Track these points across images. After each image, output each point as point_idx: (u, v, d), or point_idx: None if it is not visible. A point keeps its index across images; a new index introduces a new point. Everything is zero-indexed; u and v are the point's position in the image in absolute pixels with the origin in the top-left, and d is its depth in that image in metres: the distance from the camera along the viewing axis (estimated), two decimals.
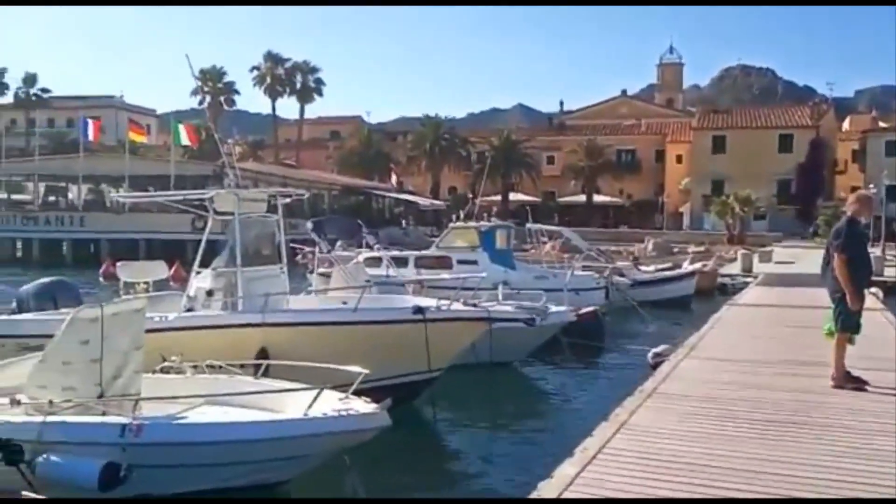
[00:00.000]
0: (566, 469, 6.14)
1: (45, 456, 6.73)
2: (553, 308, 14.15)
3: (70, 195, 48.69)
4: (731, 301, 19.58)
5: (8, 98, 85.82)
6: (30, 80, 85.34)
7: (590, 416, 11.30)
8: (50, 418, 7.03)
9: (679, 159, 69.68)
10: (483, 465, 9.90)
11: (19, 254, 44.10)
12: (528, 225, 26.52)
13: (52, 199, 48.68)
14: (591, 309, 17.04)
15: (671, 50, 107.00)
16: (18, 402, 7.36)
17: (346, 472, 7.55)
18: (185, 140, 47.21)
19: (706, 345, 12.22)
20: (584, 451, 6.60)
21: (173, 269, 16.39)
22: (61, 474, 6.66)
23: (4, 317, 11.33)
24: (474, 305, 11.83)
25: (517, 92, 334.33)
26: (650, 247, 40.25)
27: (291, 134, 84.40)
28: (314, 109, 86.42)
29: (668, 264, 30.39)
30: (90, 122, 46.86)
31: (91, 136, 47.22)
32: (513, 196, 64.91)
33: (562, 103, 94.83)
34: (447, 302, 11.64)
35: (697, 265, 28.57)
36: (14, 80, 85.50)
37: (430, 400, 11.26)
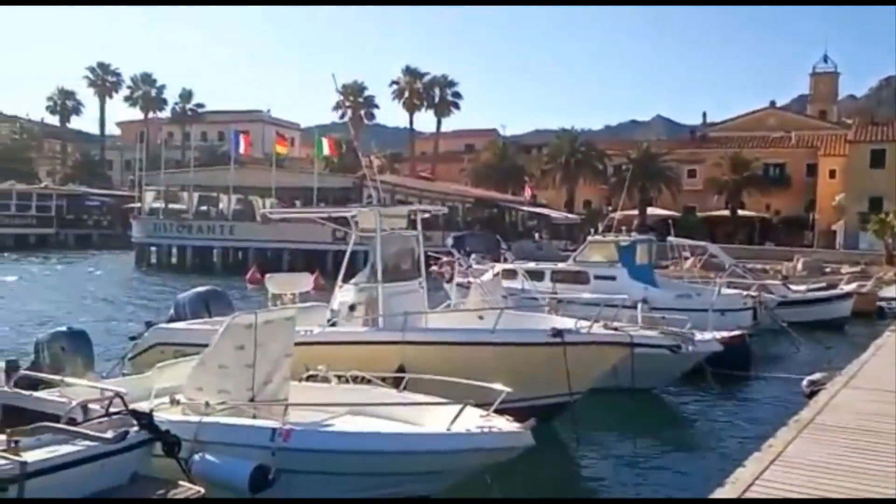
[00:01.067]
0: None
1: (200, 454, 7.04)
2: (699, 335, 13.58)
3: (221, 205, 51.37)
4: (895, 327, 18.21)
5: (166, 113, 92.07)
6: (186, 96, 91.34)
7: (736, 447, 10.87)
8: (206, 419, 7.38)
9: (833, 174, 65.67)
10: (622, 492, 9.59)
11: (174, 260, 46.87)
12: (670, 239, 25.64)
13: (204, 208, 51.46)
14: (737, 333, 16.14)
15: (825, 59, 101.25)
16: (177, 402, 7.79)
17: (486, 491, 7.50)
18: (326, 152, 48.88)
19: (867, 373, 11.43)
20: (735, 483, 6.27)
21: (313, 278, 16.91)
22: (215, 473, 6.94)
23: (164, 325, 12.01)
24: (615, 329, 11.52)
25: (657, 103, 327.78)
26: (800, 265, 38.10)
27: (427, 147, 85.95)
28: (450, 123, 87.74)
29: (822, 284, 28.61)
30: (241, 136, 49.35)
31: (242, 150, 49.74)
32: (651, 210, 63.24)
33: (704, 115, 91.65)
34: (587, 324, 11.42)
35: (854, 286, 26.77)
36: (172, 96, 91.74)
37: (569, 422, 11.04)
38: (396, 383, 9.10)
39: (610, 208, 32.60)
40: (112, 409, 6.40)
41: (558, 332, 10.84)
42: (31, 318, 21.82)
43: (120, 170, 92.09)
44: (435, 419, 7.79)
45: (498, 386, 7.55)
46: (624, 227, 25.02)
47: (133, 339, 12.24)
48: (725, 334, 15.26)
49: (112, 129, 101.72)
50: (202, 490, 6.07)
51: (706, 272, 25.50)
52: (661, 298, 18.80)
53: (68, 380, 7.30)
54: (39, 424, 5.70)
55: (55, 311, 24.15)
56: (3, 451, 5.32)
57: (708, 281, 22.52)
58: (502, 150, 75.76)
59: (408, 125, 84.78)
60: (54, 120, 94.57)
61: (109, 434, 5.60)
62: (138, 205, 50.95)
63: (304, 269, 17.31)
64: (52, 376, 7.49)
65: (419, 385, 8.93)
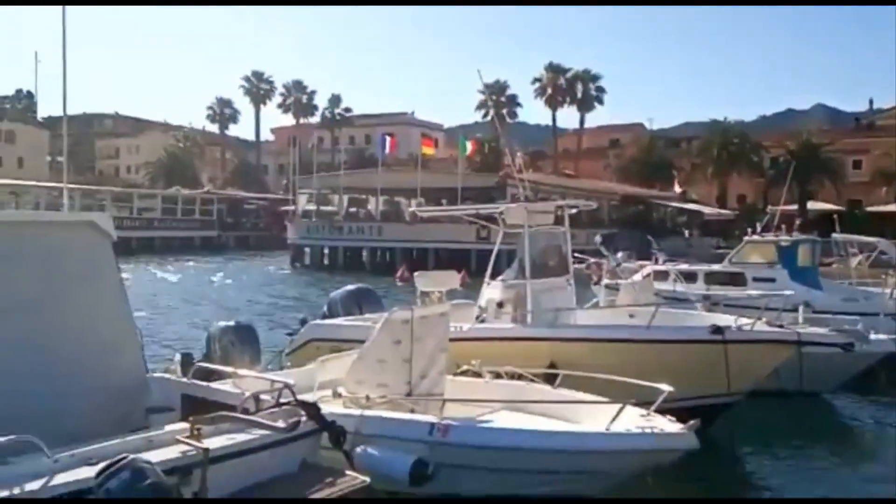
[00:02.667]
0: None
1: (362, 447, 7.26)
2: (873, 334, 12.68)
3: (369, 206, 53.00)
4: None
5: (316, 118, 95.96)
6: (334, 100, 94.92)
7: None
8: (367, 412, 7.59)
9: None
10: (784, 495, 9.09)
11: (326, 260, 48.76)
12: (835, 235, 23.99)
13: (353, 210, 53.25)
14: None
15: None
16: (339, 395, 8.06)
17: (646, 493, 7.30)
18: (469, 151, 49.47)
19: None
20: None
21: (461, 277, 17.06)
22: (376, 465, 7.12)
23: (318, 321, 12.49)
24: (780, 326, 10.94)
25: (816, 91, 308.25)
26: None
27: (570, 144, 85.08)
28: (594, 118, 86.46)
29: None
30: (388, 139, 50.74)
31: (388, 151, 51.12)
32: (812, 205, 59.75)
33: (871, 101, 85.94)
34: (749, 321, 10.90)
35: None
36: (321, 102, 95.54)
37: (727, 425, 10.58)
38: (549, 380, 9.03)
39: (769, 203, 30.72)
40: (281, 400, 6.69)
41: (719, 329, 10.40)
42: (199, 315, 23.32)
43: (274, 174, 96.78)
44: (592, 418, 7.67)
45: (660, 385, 7.33)
46: (784, 225, 23.62)
47: (290, 335, 12.79)
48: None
49: (266, 135, 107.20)
50: (367, 479, 6.24)
51: (876, 271, 23.63)
52: (826, 302, 17.57)
53: (240, 371, 7.69)
54: (219, 413, 6.04)
55: (218, 308, 25.70)
56: (187, 437, 5.66)
57: (878, 281, 20.84)
58: (649, 144, 73.95)
59: (549, 122, 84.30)
60: (214, 128, 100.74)
61: (282, 423, 5.86)
62: (292, 208, 53.34)
63: (449, 269, 17.51)
64: (224, 368, 7.92)
65: (572, 382, 8.82)
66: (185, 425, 5.84)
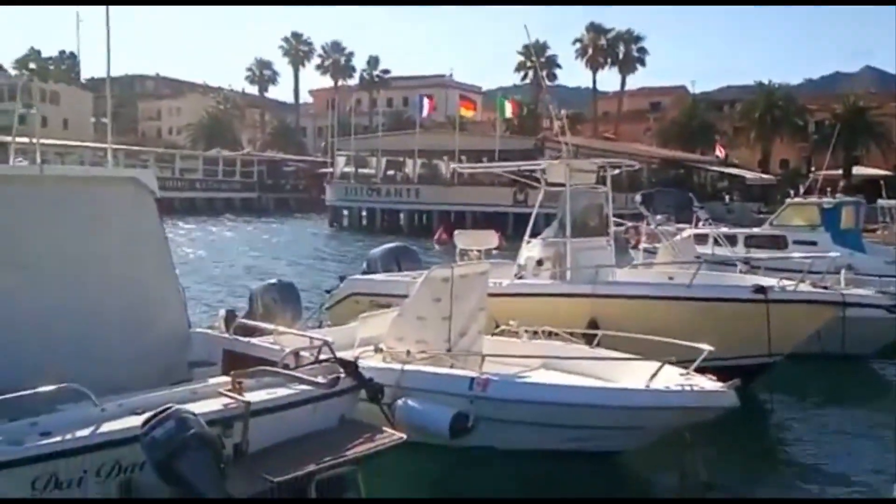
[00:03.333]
0: None
1: (402, 400, 7.35)
2: None
3: (406, 169, 52.94)
4: None
5: (354, 80, 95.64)
6: (373, 62, 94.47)
7: None
8: (407, 367, 7.67)
9: None
10: (821, 468, 8.85)
11: (364, 222, 48.97)
12: (880, 201, 23.42)
13: (391, 172, 53.26)
14: None
15: None
16: (380, 350, 8.13)
17: (685, 450, 7.28)
18: (508, 113, 49.04)
19: None
20: None
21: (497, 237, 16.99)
22: (416, 418, 7.23)
23: (361, 276, 12.58)
24: (825, 287, 10.75)
25: (865, 52, 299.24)
26: None
27: (610, 107, 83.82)
28: (635, 80, 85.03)
29: None
30: (426, 100, 50.51)
31: (426, 113, 50.89)
32: (857, 170, 58.35)
33: None
34: (792, 282, 10.74)
35: None
36: (360, 63, 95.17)
37: (767, 387, 10.49)
38: (588, 340, 9.01)
39: (813, 168, 29.98)
40: (321, 357, 6.76)
41: (761, 289, 10.29)
42: (240, 275, 23.63)
43: (313, 136, 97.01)
44: (631, 376, 7.67)
45: (700, 344, 7.27)
46: (829, 189, 23.09)
47: (328, 291, 12.90)
48: None
49: (305, 98, 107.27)
50: (404, 436, 6.30)
51: None
52: (869, 265, 17.18)
53: (280, 329, 7.78)
54: (260, 368, 6.13)
55: (259, 268, 26.01)
56: (229, 390, 5.75)
57: None
58: (691, 107, 72.57)
59: (588, 86, 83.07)
60: (253, 90, 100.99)
61: (322, 379, 5.92)
62: (330, 170, 53.47)
63: (487, 230, 17.40)
64: (265, 325, 8.02)
65: (612, 342, 8.80)
66: (227, 379, 5.94)
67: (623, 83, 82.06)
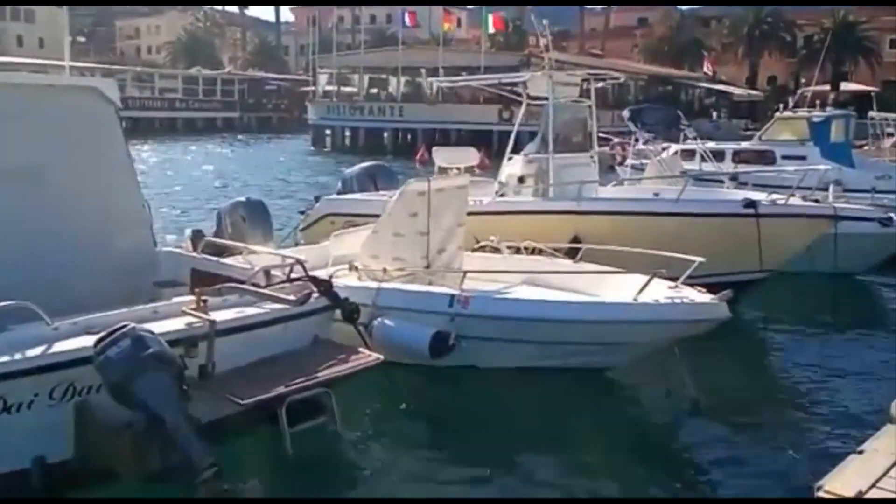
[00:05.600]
0: None
1: (380, 320, 7.10)
2: None
3: (390, 87, 51.75)
4: None
5: None
6: None
7: None
8: (384, 285, 7.39)
9: None
10: (814, 377, 8.77)
11: (348, 141, 48.09)
12: (872, 114, 23.00)
13: (374, 91, 52.07)
14: None
15: None
16: (356, 268, 7.84)
17: (673, 366, 7.10)
18: (492, 28, 47.86)
19: None
20: None
21: (480, 156, 16.58)
22: (395, 338, 7.00)
23: (333, 196, 12.20)
24: (816, 201, 10.50)
25: None
26: None
27: (597, 23, 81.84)
28: None
29: None
30: (407, 13, 49.17)
31: (408, 23, 49.55)
32: (845, 86, 57.63)
33: None
34: (782, 196, 10.46)
35: None
36: None
37: (757, 305, 10.31)
38: (571, 255, 8.76)
39: (803, 82, 29.46)
40: (293, 276, 6.47)
41: (752, 203, 9.99)
42: (216, 194, 23.13)
43: (295, 55, 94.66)
44: (618, 290, 7.43)
45: (690, 256, 7.01)
46: (817, 103, 22.65)
47: (303, 212, 12.54)
48: None
49: (287, 16, 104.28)
50: (381, 357, 6.08)
51: None
52: (858, 180, 16.87)
53: (251, 247, 7.47)
54: (226, 285, 5.86)
55: (238, 187, 25.54)
56: (193, 309, 5.46)
57: None
58: (678, 23, 71.00)
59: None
60: (233, 8, 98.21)
61: (291, 297, 5.64)
62: (312, 88, 52.26)
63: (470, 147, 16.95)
64: (235, 243, 7.70)
65: (596, 257, 8.54)
66: (191, 297, 5.64)
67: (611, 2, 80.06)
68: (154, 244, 7.62)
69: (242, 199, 9.38)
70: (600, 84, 12.32)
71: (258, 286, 6.52)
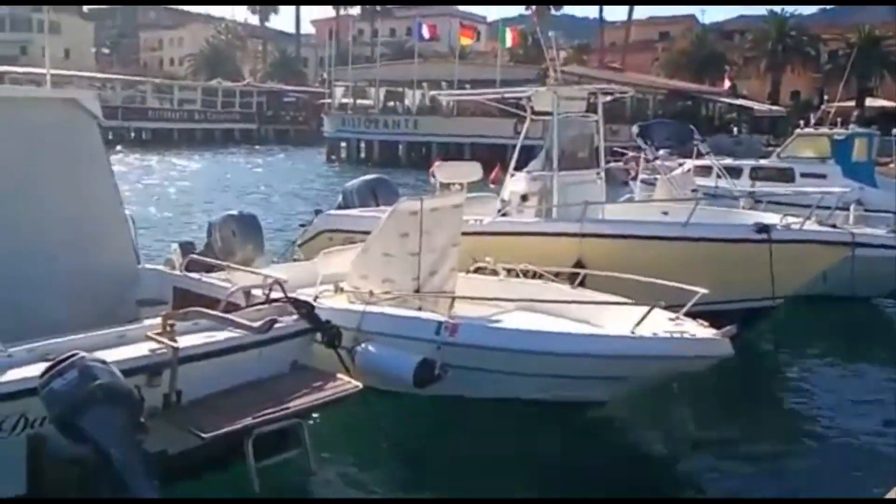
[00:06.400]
0: None
1: (364, 345, 6.78)
2: None
3: (407, 100, 51.64)
4: None
5: (357, 10, 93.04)
6: None
7: None
8: (370, 308, 7.06)
9: None
10: (827, 414, 8.28)
11: (363, 154, 47.97)
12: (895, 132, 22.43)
13: (391, 104, 51.98)
14: None
15: None
16: (341, 290, 7.53)
17: (672, 403, 6.73)
18: (508, 42, 47.69)
19: None
20: None
21: (494, 172, 16.26)
22: (378, 365, 6.67)
23: (331, 212, 11.91)
24: (833, 226, 10.06)
25: None
26: None
27: (618, 37, 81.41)
28: (644, 10, 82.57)
29: None
30: (424, 25, 49.06)
31: (426, 35, 49.43)
32: (870, 101, 56.82)
33: None
34: (798, 220, 9.98)
35: None
36: None
37: (767, 330, 9.88)
38: (572, 279, 8.38)
39: (826, 98, 28.85)
40: (273, 296, 6.17)
41: (764, 228, 9.52)
42: (229, 207, 22.94)
43: (314, 67, 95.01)
44: (616, 320, 7.06)
45: (693, 287, 6.62)
46: (840, 120, 22.14)
47: (303, 225, 12.26)
48: None
49: (307, 28, 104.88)
50: (360, 385, 5.75)
51: None
52: (880, 200, 16.41)
53: (233, 266, 7.19)
54: (191, 309, 5.53)
55: (250, 199, 25.39)
56: (158, 333, 5.17)
57: None
58: (700, 37, 70.48)
59: (597, 15, 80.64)
60: (255, 20, 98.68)
61: (257, 323, 5.31)
62: (329, 101, 52.25)
63: (484, 162, 16.59)
64: (217, 262, 7.43)
65: (598, 283, 8.15)
66: (158, 320, 5.33)
67: (631, 12, 79.62)
68: (137, 261, 7.37)
69: (234, 212, 9.09)
70: (608, 98, 11.92)
71: (237, 306, 6.25)
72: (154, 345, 5.10)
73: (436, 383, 6.54)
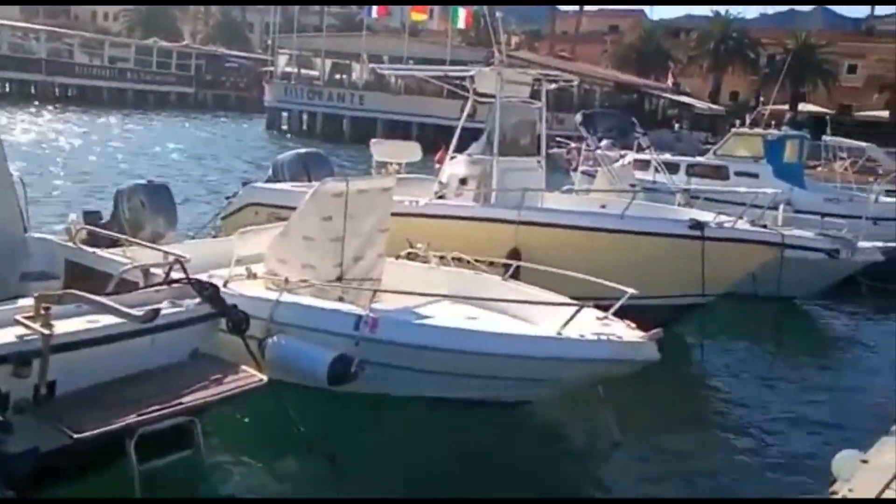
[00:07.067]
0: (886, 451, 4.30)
1: (276, 337, 6.28)
2: (861, 242, 11.75)
3: (354, 74, 50.50)
4: None
5: None
6: None
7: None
8: (284, 297, 6.56)
9: None
10: (754, 415, 8.21)
11: (305, 126, 46.73)
12: (826, 138, 22.89)
13: (337, 76, 50.73)
14: (893, 245, 13.62)
15: None
16: (255, 276, 6.98)
17: (598, 404, 6.44)
18: (461, 23, 47.01)
19: None
20: None
21: (440, 153, 15.84)
22: (291, 359, 6.20)
23: (259, 184, 11.31)
24: (763, 226, 10.01)
25: None
26: None
27: (569, 26, 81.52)
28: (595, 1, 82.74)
29: None
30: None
31: (374, 15, 48.38)
32: (802, 106, 58.15)
33: (873, 7, 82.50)
34: (731, 219, 9.92)
35: None
36: None
37: (696, 329, 9.75)
38: (507, 269, 8.03)
39: (762, 100, 29.29)
40: (174, 276, 5.61)
41: (698, 224, 9.44)
42: (151, 175, 21.80)
43: (260, 33, 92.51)
44: (545, 315, 6.78)
45: (623, 287, 6.37)
46: (773, 122, 22.48)
47: (229, 198, 11.62)
48: (880, 245, 13.20)
49: None
50: (264, 379, 5.26)
51: (861, 177, 22.58)
52: (808, 201, 16.77)
53: (133, 240, 6.58)
54: (66, 291, 4.91)
55: (174, 167, 24.32)
56: (29, 317, 4.55)
57: (863, 187, 19.90)
58: (648, 32, 71.16)
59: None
60: None
61: (138, 311, 4.74)
62: (271, 69, 50.89)
63: (431, 143, 16.18)
64: (117, 235, 6.81)
65: (531, 274, 7.88)
66: (30, 302, 4.71)
67: (582, 3, 79.83)
68: (24, 229, 6.69)
69: (143, 181, 8.46)
70: (553, 86, 11.60)
71: (135, 285, 5.67)
72: (23, 330, 4.49)
73: (353, 381, 6.07)
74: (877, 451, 4.19)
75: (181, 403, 4.82)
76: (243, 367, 5.43)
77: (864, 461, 3.99)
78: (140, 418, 4.55)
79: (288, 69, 50.38)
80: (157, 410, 4.66)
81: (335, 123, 45.65)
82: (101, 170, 22.15)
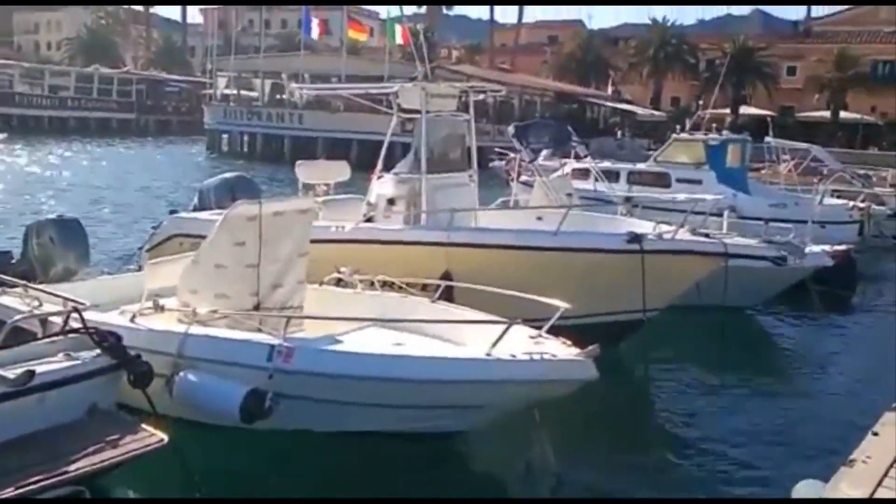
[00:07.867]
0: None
1: (184, 373, 5.88)
2: (808, 247, 11.51)
3: (294, 95, 49.91)
4: None
5: None
6: None
7: (852, 387, 9.28)
8: (193, 329, 6.17)
9: None
10: (702, 434, 7.90)
11: (245, 148, 46.05)
12: (768, 139, 22.99)
13: (278, 97, 50.24)
14: (842, 248, 13.63)
15: None
16: (162, 308, 6.58)
17: (532, 429, 6.14)
18: (399, 39, 46.94)
19: None
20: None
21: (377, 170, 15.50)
22: (200, 397, 5.81)
23: (183, 214, 10.87)
24: (706, 234, 9.68)
25: None
26: None
27: (508, 39, 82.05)
28: (533, 13, 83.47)
29: None
30: (313, 18, 47.65)
31: (315, 35, 48.04)
32: (744, 109, 59.20)
33: (809, 9, 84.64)
34: (670, 229, 9.59)
35: None
36: None
37: (639, 346, 9.48)
38: (437, 291, 7.70)
39: (701, 104, 29.60)
40: (71, 325, 5.21)
41: (636, 238, 9.03)
42: (85, 205, 21.11)
43: (200, 57, 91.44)
44: (476, 338, 6.43)
45: (556, 301, 6.06)
46: (714, 125, 22.53)
47: (155, 227, 11.14)
48: (828, 248, 13.16)
49: (195, 17, 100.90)
50: (165, 438, 4.87)
51: (806, 178, 22.74)
52: (752, 207, 16.54)
53: (30, 285, 6.16)
54: None
55: (109, 197, 23.59)
56: None
57: (808, 188, 19.97)
58: (587, 41, 71.87)
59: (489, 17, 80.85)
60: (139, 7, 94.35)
61: (10, 373, 4.31)
62: (212, 91, 50.18)
63: (371, 161, 15.83)
64: (13, 280, 6.36)
65: (463, 295, 7.54)
66: None
67: (521, 15, 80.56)
68: None
69: (53, 216, 8.01)
70: (480, 97, 11.34)
71: (33, 335, 5.27)
72: None
73: (267, 418, 5.70)
74: (835, 481, 4.01)
75: (67, 472, 4.39)
76: (143, 425, 5.03)
77: None
78: (18, 491, 4.12)
79: (227, 91, 49.69)
80: (40, 481, 4.23)
81: (276, 144, 45.16)
82: (28, 203, 21.30)
